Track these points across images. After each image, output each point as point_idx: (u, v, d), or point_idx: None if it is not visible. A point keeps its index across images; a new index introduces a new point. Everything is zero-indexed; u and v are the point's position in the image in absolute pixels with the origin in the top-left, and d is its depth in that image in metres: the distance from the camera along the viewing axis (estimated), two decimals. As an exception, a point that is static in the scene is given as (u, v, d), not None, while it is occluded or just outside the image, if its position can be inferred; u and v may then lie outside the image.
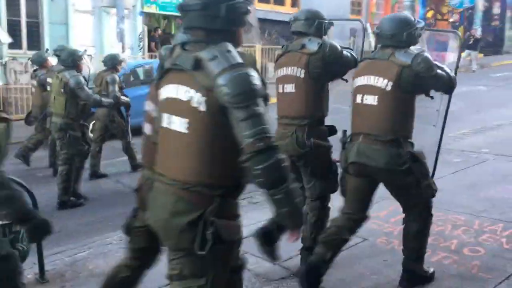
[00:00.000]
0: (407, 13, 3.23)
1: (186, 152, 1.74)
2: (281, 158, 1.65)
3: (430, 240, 3.16)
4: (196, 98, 1.69)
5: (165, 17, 15.53)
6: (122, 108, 6.46)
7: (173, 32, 15.55)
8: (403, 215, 3.01)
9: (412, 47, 2.79)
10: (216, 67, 1.64)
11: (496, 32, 25.60)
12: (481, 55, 23.05)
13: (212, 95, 1.65)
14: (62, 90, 5.03)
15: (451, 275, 3.12)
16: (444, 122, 3.26)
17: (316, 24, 3.07)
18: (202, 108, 1.68)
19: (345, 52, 3.05)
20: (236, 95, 1.61)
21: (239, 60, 1.66)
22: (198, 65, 1.68)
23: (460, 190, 4.82)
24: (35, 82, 6.82)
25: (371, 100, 2.77)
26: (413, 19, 2.88)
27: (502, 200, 4.47)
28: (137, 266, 2.39)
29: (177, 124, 1.75)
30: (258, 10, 17.64)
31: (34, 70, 7.01)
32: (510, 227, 3.82)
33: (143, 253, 2.37)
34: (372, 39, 18.83)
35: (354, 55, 3.12)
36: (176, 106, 1.76)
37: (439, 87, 2.86)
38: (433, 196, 2.89)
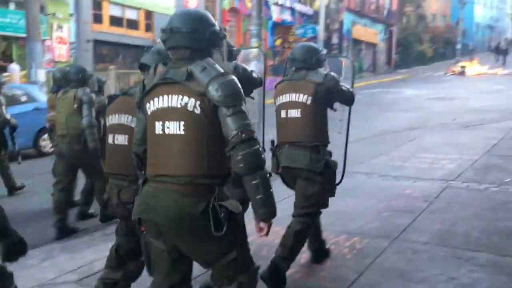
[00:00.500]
0: (311, 43, 3.76)
1: (186, 150, 2.02)
2: (259, 148, 1.99)
3: (281, 256, 3.36)
4: (190, 103, 2.01)
5: (5, 38, 14.27)
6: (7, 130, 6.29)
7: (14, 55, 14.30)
8: None
9: (319, 69, 3.38)
10: (206, 76, 1.99)
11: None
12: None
13: (205, 99, 1.99)
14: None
15: (302, 288, 3.31)
16: (348, 129, 3.87)
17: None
18: (197, 111, 2.00)
19: (254, 75, 3.46)
20: (226, 96, 1.97)
21: (223, 70, 2.03)
22: (190, 76, 2.01)
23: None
24: None
25: (294, 113, 3.29)
26: (318, 47, 3.51)
27: (344, 213, 4.87)
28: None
29: (172, 128, 2.04)
30: (111, 33, 17.16)
31: None
32: (351, 238, 4.18)
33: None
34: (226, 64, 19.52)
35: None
36: (170, 113, 2.04)
37: (344, 100, 3.47)
38: (327, 206, 3.42)
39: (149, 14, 18.63)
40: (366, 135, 9.97)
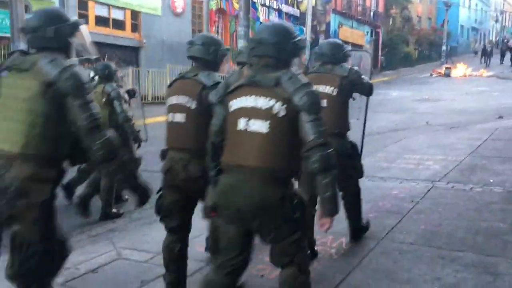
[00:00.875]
0: (337, 40, 4.13)
1: (268, 146, 2.26)
2: (333, 152, 2.27)
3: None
4: (277, 106, 2.26)
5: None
6: None
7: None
8: None
9: (344, 64, 3.75)
10: (293, 85, 2.27)
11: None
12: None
13: (290, 104, 2.25)
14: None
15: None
16: (366, 116, 4.31)
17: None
18: (282, 113, 2.26)
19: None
20: (309, 104, 2.25)
21: (306, 80, 2.33)
22: (277, 82, 2.27)
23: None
24: None
25: (322, 103, 3.23)
26: (343, 43, 3.90)
27: (331, 214, 4.90)
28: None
29: (257, 126, 2.28)
30: (97, 34, 17.03)
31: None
32: (338, 238, 4.19)
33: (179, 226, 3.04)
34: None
35: None
36: (255, 112, 2.29)
37: (364, 91, 3.88)
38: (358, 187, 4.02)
39: (135, 15, 18.53)
40: (352, 136, 10.04)
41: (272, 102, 2.27)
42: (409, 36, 37.79)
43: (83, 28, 2.50)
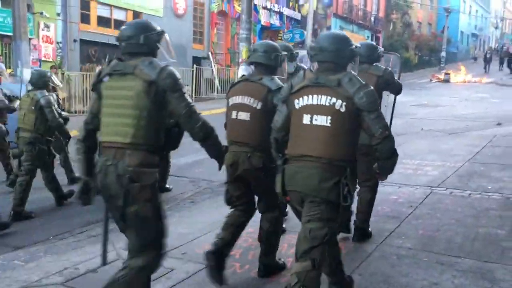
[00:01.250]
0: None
1: (329, 139, 2.67)
2: (394, 140, 2.76)
3: (268, 260, 3.41)
4: (338, 103, 2.66)
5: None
6: None
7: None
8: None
9: (378, 64, 4.22)
10: (353, 85, 2.66)
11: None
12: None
13: (350, 102, 2.65)
14: (32, 107, 5.58)
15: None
16: (392, 113, 4.72)
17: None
18: (342, 109, 2.65)
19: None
20: (370, 102, 2.66)
21: (364, 82, 2.72)
22: (339, 83, 2.67)
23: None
24: None
25: (321, 121, 3.65)
26: (377, 45, 4.35)
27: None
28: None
29: (320, 120, 2.69)
30: (98, 34, 17.07)
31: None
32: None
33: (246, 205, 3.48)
34: (214, 67, 19.58)
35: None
36: (319, 109, 2.70)
37: (394, 90, 4.37)
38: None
39: (137, 15, 18.55)
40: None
41: (333, 100, 2.68)
42: (409, 41, 37.85)
43: (166, 36, 2.89)
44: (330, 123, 2.66)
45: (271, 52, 3.45)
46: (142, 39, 2.76)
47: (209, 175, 7.41)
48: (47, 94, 5.66)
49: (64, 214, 5.69)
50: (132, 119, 2.64)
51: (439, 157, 7.77)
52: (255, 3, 23.36)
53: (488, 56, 33.36)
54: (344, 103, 2.65)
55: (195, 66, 18.84)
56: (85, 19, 16.71)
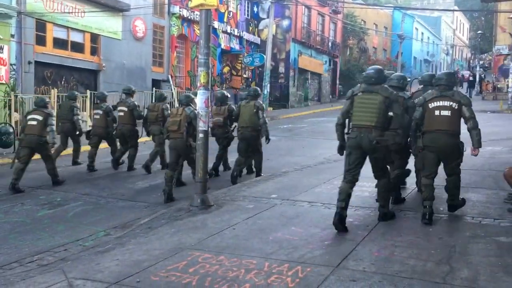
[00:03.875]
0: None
1: (450, 122, 5.58)
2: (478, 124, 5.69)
3: (224, 287, 3.39)
4: (453, 104, 5.59)
5: None
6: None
7: None
8: None
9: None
10: (459, 96, 5.68)
11: (282, 88, 28.91)
12: (271, 108, 25.64)
13: (459, 104, 5.60)
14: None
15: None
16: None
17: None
18: (455, 107, 5.59)
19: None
20: (467, 103, 5.66)
21: (464, 93, 6.01)
22: (453, 94, 5.64)
23: (253, 234, 5.20)
24: (99, 111, 10.36)
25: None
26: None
27: (288, 241, 4.94)
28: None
29: (445, 113, 5.58)
30: (55, 56, 16.73)
31: (96, 103, 10.93)
32: (294, 266, 4.23)
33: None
34: (174, 90, 19.80)
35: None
36: (444, 107, 5.60)
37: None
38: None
39: (95, 38, 18.35)
40: (310, 163, 10.18)
41: (451, 103, 5.60)
42: (365, 66, 39.01)
43: None
44: (450, 114, 5.56)
45: (403, 80, 6.62)
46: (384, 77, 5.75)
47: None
48: None
49: (13, 243, 5.46)
50: (376, 114, 5.31)
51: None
52: (215, 27, 23.59)
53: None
54: (456, 105, 5.57)
55: (154, 89, 18.71)
56: (41, 40, 16.36)
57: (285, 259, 4.44)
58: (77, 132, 10.43)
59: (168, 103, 10.16)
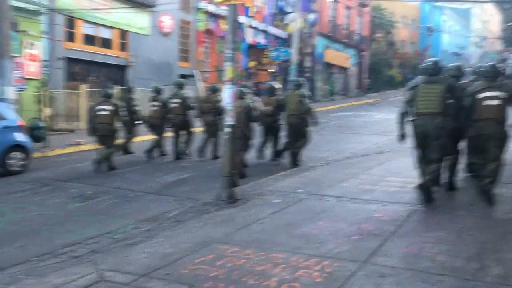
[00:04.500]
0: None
1: (498, 111, 5.92)
2: None
3: (252, 280, 3.41)
4: (501, 94, 5.92)
5: None
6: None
7: None
8: None
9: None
10: (505, 86, 6.19)
11: (308, 83, 28.73)
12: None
13: (506, 93, 5.94)
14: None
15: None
16: None
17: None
18: (502, 96, 5.92)
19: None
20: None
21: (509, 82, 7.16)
22: (501, 85, 6.06)
23: (280, 228, 5.21)
24: (155, 103, 11.14)
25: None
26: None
27: (314, 236, 4.93)
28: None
29: (493, 102, 5.92)
30: (84, 52, 17.04)
31: (154, 96, 11.31)
32: (321, 261, 4.22)
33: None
34: (199, 84, 19.89)
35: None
36: (491, 97, 5.93)
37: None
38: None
39: (123, 34, 18.60)
40: (337, 158, 10.11)
41: (498, 93, 5.92)
42: (393, 59, 38.42)
43: None
44: (498, 103, 5.88)
45: (462, 69, 7.01)
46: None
47: (194, 193, 7.40)
48: None
49: (45, 235, 5.61)
50: (439, 101, 5.96)
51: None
52: (242, 22, 23.58)
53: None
54: (504, 93, 5.89)
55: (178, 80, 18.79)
56: (71, 37, 16.68)
57: (312, 253, 4.43)
58: (137, 122, 11.45)
59: (216, 95, 10.37)
